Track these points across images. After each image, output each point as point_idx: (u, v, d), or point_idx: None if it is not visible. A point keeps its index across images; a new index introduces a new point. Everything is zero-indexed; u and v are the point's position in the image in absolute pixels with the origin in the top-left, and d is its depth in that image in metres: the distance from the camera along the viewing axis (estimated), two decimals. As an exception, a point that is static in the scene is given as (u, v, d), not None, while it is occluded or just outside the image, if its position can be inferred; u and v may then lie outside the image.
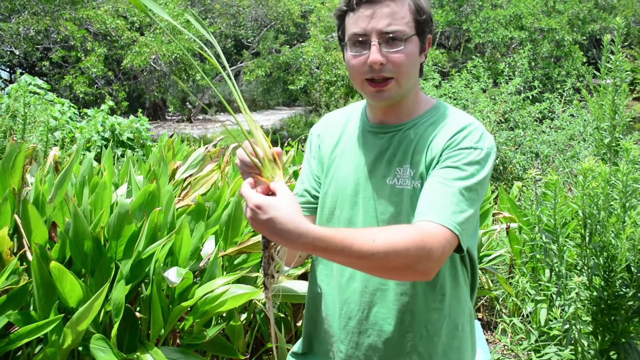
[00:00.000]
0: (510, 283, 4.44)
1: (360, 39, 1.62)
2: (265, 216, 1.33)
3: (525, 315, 4.32)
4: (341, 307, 1.76)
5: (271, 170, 1.43)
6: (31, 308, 2.71)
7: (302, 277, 3.45)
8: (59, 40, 19.08)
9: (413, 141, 1.69)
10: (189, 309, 2.93)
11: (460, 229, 1.52)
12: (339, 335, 1.77)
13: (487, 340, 4.43)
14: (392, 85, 1.63)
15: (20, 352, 2.77)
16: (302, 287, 3.07)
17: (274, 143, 6.94)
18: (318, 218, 1.83)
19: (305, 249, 1.35)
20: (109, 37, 19.47)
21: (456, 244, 1.52)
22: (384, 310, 1.71)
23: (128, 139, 7.70)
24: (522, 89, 8.72)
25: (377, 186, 1.69)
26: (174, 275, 2.84)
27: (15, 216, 2.82)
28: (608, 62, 3.95)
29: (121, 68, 19.53)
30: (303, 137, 7.04)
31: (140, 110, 9.64)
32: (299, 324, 3.56)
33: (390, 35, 1.59)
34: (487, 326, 4.69)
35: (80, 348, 2.70)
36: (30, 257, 2.67)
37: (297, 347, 1.95)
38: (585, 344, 3.30)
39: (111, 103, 8.86)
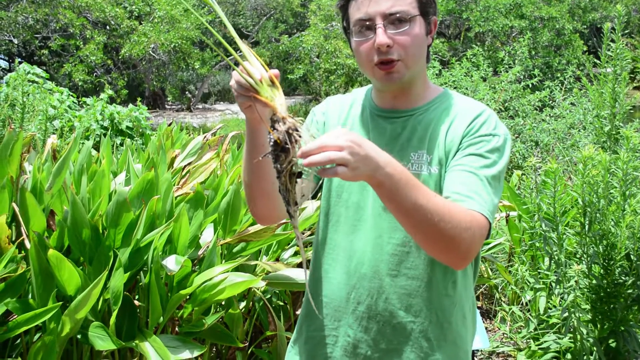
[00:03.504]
0: (510, 271, 4.44)
1: (365, 23, 1.61)
2: (365, 150, 1.32)
3: (524, 304, 4.32)
4: (349, 292, 1.74)
5: (270, 92, 1.36)
6: (29, 296, 2.71)
7: (300, 265, 3.45)
8: (57, 28, 19.05)
9: (429, 126, 1.68)
10: (187, 297, 2.93)
11: (492, 217, 1.54)
12: (347, 319, 1.75)
13: (486, 328, 4.43)
14: (399, 66, 1.62)
15: (18, 340, 2.77)
16: (300, 275, 3.07)
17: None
18: (324, 200, 1.81)
19: (382, 179, 1.35)
20: (108, 26, 19.43)
21: (487, 232, 1.53)
22: (394, 296, 1.69)
23: (127, 127, 7.69)
24: (522, 77, 8.70)
25: None
26: (172, 263, 2.83)
27: (14, 204, 2.81)
28: (608, 50, 3.93)
29: (120, 57, 19.50)
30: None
31: (139, 99, 9.64)
32: (298, 312, 3.56)
33: (395, 16, 1.59)
34: (487, 314, 4.70)
35: (79, 336, 2.70)
36: (28, 245, 2.66)
37: (295, 333, 1.94)
38: (584, 332, 3.31)
39: (110, 92, 8.86)
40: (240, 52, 1.44)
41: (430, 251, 1.54)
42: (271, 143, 1.29)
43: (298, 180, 1.33)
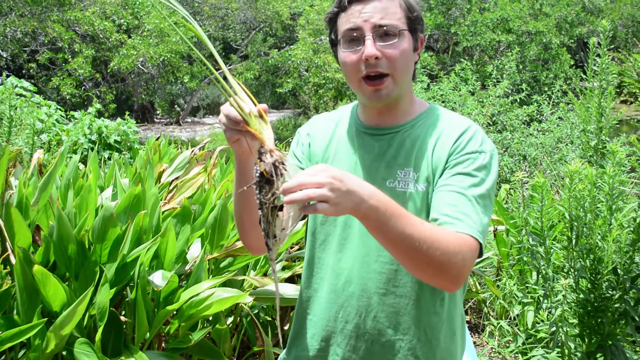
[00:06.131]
0: (498, 286, 4.44)
1: (354, 34, 1.61)
2: (346, 185, 1.31)
3: (512, 318, 4.32)
4: (337, 311, 1.73)
5: (258, 125, 1.39)
6: (14, 312, 2.69)
7: (289, 280, 3.44)
8: (46, 42, 19.01)
9: (415, 144, 1.68)
10: (174, 312, 2.91)
11: (482, 237, 1.53)
12: (335, 338, 1.74)
13: (474, 343, 4.43)
14: (388, 82, 1.62)
15: (3, 357, 2.74)
16: (288, 290, 3.06)
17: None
18: (310, 219, 1.81)
19: (367, 212, 1.34)
20: (96, 39, 19.41)
21: (478, 252, 1.53)
22: (383, 314, 1.68)
23: (115, 141, 7.67)
24: (510, 91, 8.75)
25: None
26: (159, 279, 2.82)
27: (-1, 219, 2.80)
28: (595, 64, 3.96)
29: (109, 70, 19.48)
30: (291, 140, 7.02)
31: (128, 112, 9.62)
32: (286, 327, 3.54)
33: (384, 28, 1.59)
34: (475, 329, 4.69)
35: (64, 352, 2.68)
36: (13, 260, 2.64)
37: (283, 353, 1.93)
38: (572, 346, 3.31)
39: (99, 106, 8.83)
40: (228, 81, 1.46)
41: (421, 277, 1.54)
42: (257, 174, 1.31)
43: (279, 213, 1.34)
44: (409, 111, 1.73)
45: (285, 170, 1.31)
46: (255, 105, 1.42)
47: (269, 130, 1.38)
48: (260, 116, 1.41)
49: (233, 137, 1.47)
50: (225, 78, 1.47)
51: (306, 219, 1.86)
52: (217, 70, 1.51)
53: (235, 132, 1.45)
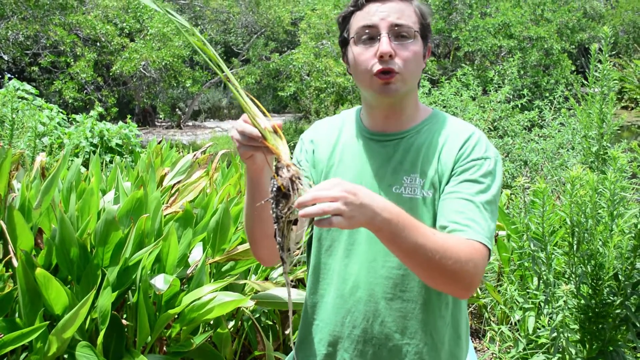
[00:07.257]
0: (499, 291, 4.44)
1: (369, 31, 1.62)
2: (360, 199, 1.32)
3: (513, 323, 4.32)
4: (344, 316, 1.74)
5: (274, 141, 1.41)
6: (16, 315, 2.69)
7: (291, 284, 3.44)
8: (48, 45, 19.06)
9: (420, 150, 1.69)
10: (176, 316, 2.91)
11: (491, 243, 1.55)
12: (342, 343, 1.75)
13: (475, 348, 4.43)
14: (397, 78, 1.62)
15: (4, 360, 2.75)
16: (290, 294, 3.06)
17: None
18: (316, 228, 1.81)
19: (380, 224, 1.36)
20: (98, 43, 19.46)
21: (488, 258, 1.55)
22: (390, 319, 1.69)
23: (117, 145, 7.68)
24: (511, 97, 8.75)
25: (383, 195, 1.63)
26: (161, 282, 2.82)
27: (1, 222, 2.80)
28: (596, 70, 3.96)
29: (110, 74, 19.52)
30: (292, 144, 7.02)
31: (129, 116, 9.63)
32: (287, 332, 3.54)
33: (399, 28, 1.61)
34: (476, 334, 4.69)
35: (65, 356, 2.67)
36: (15, 263, 2.64)
37: (290, 357, 1.93)
38: (573, 352, 3.30)
39: (100, 109, 8.83)
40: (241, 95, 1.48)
41: (434, 285, 1.56)
42: (274, 188, 1.33)
43: (293, 227, 1.36)
44: (413, 116, 1.74)
45: (302, 184, 1.33)
46: (269, 120, 1.43)
47: (284, 145, 1.40)
48: (275, 132, 1.42)
49: (247, 153, 1.49)
50: (228, 80, 1.48)
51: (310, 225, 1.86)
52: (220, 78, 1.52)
53: (250, 148, 1.47)
